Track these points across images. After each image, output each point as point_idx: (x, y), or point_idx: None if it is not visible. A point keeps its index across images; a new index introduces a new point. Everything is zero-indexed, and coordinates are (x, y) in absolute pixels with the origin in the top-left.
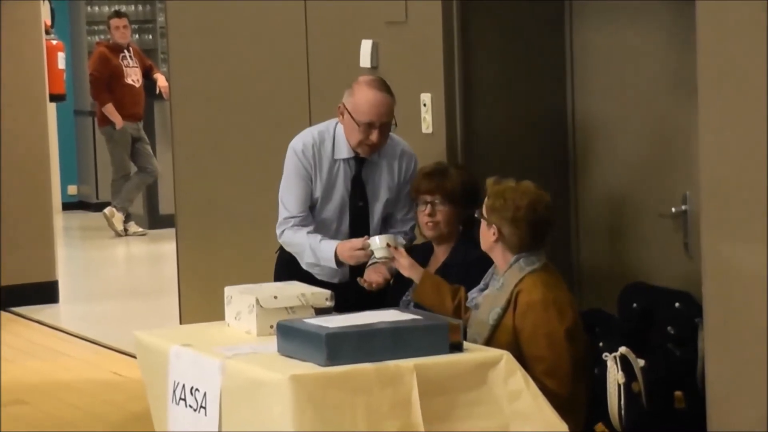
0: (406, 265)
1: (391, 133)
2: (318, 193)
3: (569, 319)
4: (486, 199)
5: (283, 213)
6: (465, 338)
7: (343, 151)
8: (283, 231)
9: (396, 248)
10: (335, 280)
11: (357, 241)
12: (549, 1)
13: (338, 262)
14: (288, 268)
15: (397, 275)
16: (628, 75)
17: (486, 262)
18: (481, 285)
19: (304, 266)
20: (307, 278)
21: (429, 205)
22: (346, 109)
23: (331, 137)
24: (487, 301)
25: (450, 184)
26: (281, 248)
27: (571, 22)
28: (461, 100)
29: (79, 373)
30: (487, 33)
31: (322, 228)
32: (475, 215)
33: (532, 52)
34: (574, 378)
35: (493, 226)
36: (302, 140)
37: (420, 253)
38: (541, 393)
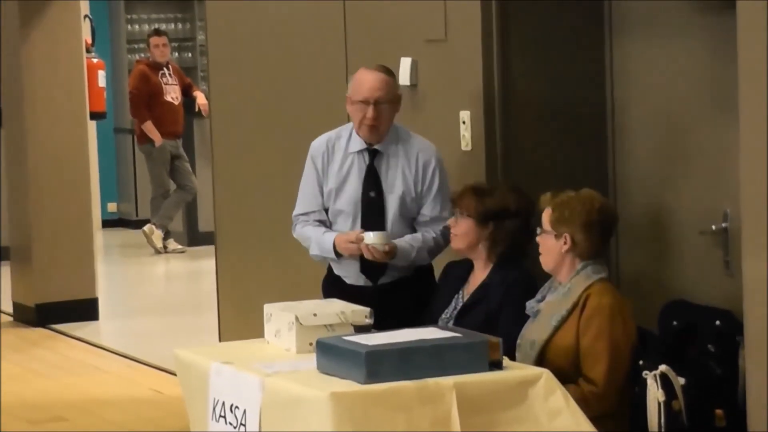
0: (386, 259)
1: (410, 132)
2: (332, 185)
3: (631, 333)
4: (549, 213)
5: (295, 210)
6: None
7: (357, 144)
8: (294, 227)
9: (387, 246)
10: (361, 282)
11: (352, 234)
12: (588, 16)
13: (337, 253)
14: (332, 284)
15: (439, 297)
16: (668, 89)
17: (526, 282)
18: (539, 296)
19: (312, 258)
20: (348, 292)
21: (453, 217)
22: (349, 96)
23: (347, 133)
24: (549, 306)
25: (476, 201)
26: (329, 266)
27: (611, 37)
28: (500, 118)
29: (119, 390)
30: (526, 50)
31: (338, 219)
32: (537, 233)
33: (572, 68)
34: (622, 390)
35: (565, 236)
36: (318, 139)
37: (460, 270)
38: (582, 412)
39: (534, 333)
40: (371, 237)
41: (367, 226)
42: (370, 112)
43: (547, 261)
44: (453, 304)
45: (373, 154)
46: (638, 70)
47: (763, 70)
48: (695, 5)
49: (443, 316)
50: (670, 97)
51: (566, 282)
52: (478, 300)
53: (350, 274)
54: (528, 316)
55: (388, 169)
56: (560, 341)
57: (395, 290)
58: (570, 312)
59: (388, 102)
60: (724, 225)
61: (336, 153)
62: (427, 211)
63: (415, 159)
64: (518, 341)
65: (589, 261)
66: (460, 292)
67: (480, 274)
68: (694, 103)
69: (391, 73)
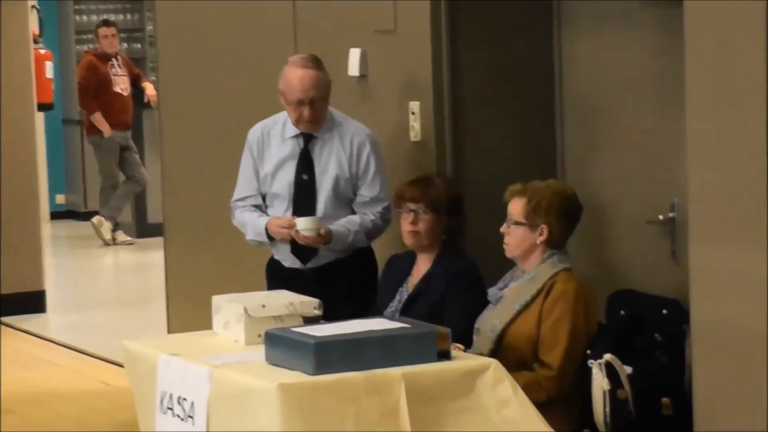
0: (319, 244)
1: (346, 115)
2: (268, 169)
3: (592, 322)
4: (523, 204)
5: (233, 197)
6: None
7: (292, 130)
8: (233, 213)
9: (320, 230)
10: (297, 265)
11: (285, 219)
12: (537, 9)
13: (270, 237)
14: (272, 268)
15: (384, 290)
16: (616, 82)
17: (471, 272)
18: (500, 284)
19: (249, 243)
20: (286, 275)
21: (412, 213)
22: (282, 92)
23: (283, 119)
24: (513, 292)
25: (435, 193)
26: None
27: (559, 29)
28: (450, 109)
29: (67, 383)
30: (475, 41)
31: (275, 203)
32: (510, 224)
33: (521, 60)
34: (575, 377)
35: (542, 227)
36: (254, 127)
37: (404, 262)
38: (530, 401)
39: (496, 317)
40: (301, 223)
41: (299, 207)
42: (306, 112)
43: (514, 250)
44: (398, 296)
45: (307, 138)
46: (586, 63)
47: (709, 62)
48: None
49: (388, 309)
50: (617, 88)
51: (532, 269)
52: (421, 291)
53: (286, 257)
54: (474, 306)
55: (322, 151)
56: (522, 325)
57: (333, 272)
58: (534, 298)
59: (322, 98)
60: (671, 215)
61: (272, 138)
62: (366, 191)
63: (350, 141)
64: (476, 326)
65: (554, 250)
66: (405, 284)
67: (423, 265)
68: (642, 94)
69: (319, 65)
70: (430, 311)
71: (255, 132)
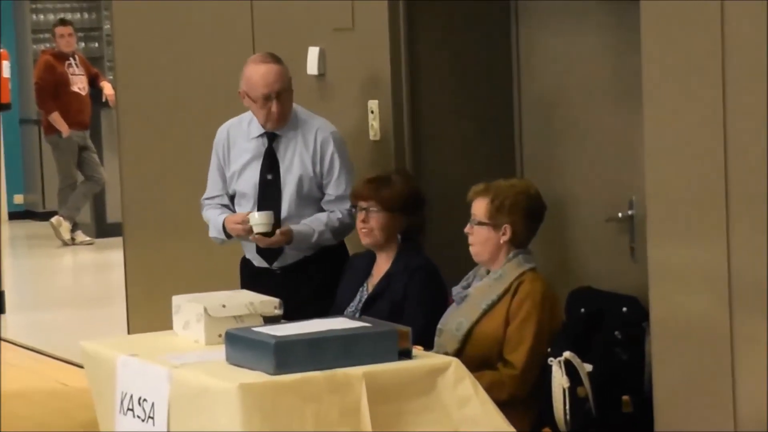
0: (276, 244)
1: (310, 112)
2: (234, 169)
3: (557, 323)
4: (486, 203)
5: (204, 194)
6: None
7: (257, 129)
8: (201, 209)
9: (276, 227)
10: (265, 265)
11: (239, 215)
12: (495, 4)
13: (228, 234)
14: (243, 266)
15: (344, 290)
16: (574, 78)
17: (429, 269)
18: (463, 283)
19: (212, 240)
20: (256, 274)
21: (363, 212)
22: (245, 92)
23: (249, 118)
24: (479, 291)
25: (388, 192)
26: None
27: (517, 26)
28: (408, 107)
29: (25, 383)
30: (434, 39)
31: (242, 202)
32: (474, 224)
33: (479, 58)
34: (537, 376)
35: (505, 226)
36: (221, 127)
37: (364, 261)
38: (491, 399)
39: (461, 315)
40: (255, 218)
41: (264, 207)
42: (274, 106)
43: (480, 252)
44: (358, 296)
45: (272, 137)
46: (544, 60)
47: (666, 59)
48: None
49: (348, 309)
50: (575, 86)
51: (498, 269)
52: (382, 290)
53: (254, 256)
54: (433, 303)
55: (286, 151)
56: (488, 325)
57: (302, 270)
58: (501, 297)
59: (287, 90)
60: (629, 212)
61: (238, 138)
62: (332, 190)
63: (313, 140)
64: (439, 326)
65: (519, 249)
66: (365, 284)
67: (383, 264)
68: (600, 92)
69: (279, 60)
70: (390, 310)
71: (221, 132)
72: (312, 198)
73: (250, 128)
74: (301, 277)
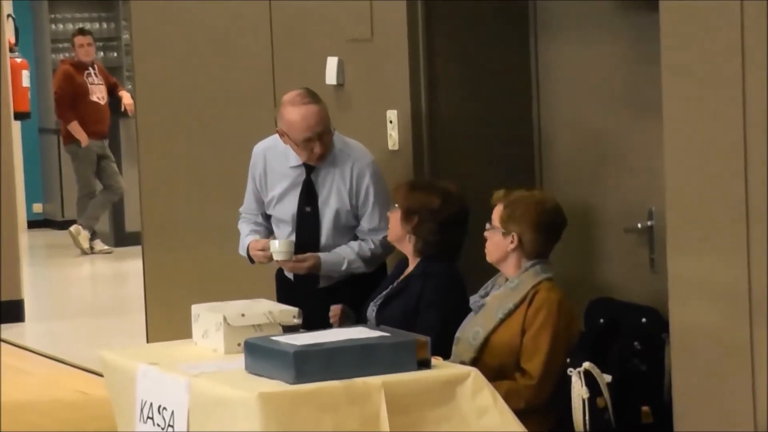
0: (301, 270)
1: (348, 140)
2: (273, 194)
3: (574, 332)
4: (500, 209)
5: (241, 207)
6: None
7: (294, 159)
8: (239, 219)
9: (292, 253)
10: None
11: (263, 242)
12: (513, 12)
13: (251, 258)
14: (281, 281)
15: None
16: (593, 89)
17: (448, 274)
18: (481, 292)
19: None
20: (295, 292)
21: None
22: (284, 131)
23: (284, 145)
24: (496, 299)
25: (409, 198)
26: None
27: (536, 36)
28: (427, 117)
29: (44, 393)
30: (452, 50)
31: (280, 226)
32: (486, 227)
33: (498, 68)
34: (555, 386)
35: (513, 234)
36: (257, 148)
37: (403, 264)
38: (509, 409)
39: (478, 324)
40: (275, 245)
41: (302, 238)
42: (317, 147)
43: (491, 254)
44: (384, 294)
45: (309, 168)
46: (563, 69)
47: (686, 69)
48: (618, 5)
49: (371, 306)
50: (595, 96)
51: (514, 277)
52: (399, 290)
53: (291, 274)
54: (448, 309)
55: (324, 183)
56: (504, 334)
57: (341, 288)
58: (517, 306)
59: (328, 131)
60: (649, 223)
61: (275, 164)
62: (366, 223)
63: (350, 172)
64: (457, 335)
65: (537, 260)
66: (395, 283)
67: (410, 268)
68: (619, 102)
69: (316, 98)
70: (404, 310)
71: (257, 155)
72: (349, 227)
73: (287, 155)
74: (343, 293)
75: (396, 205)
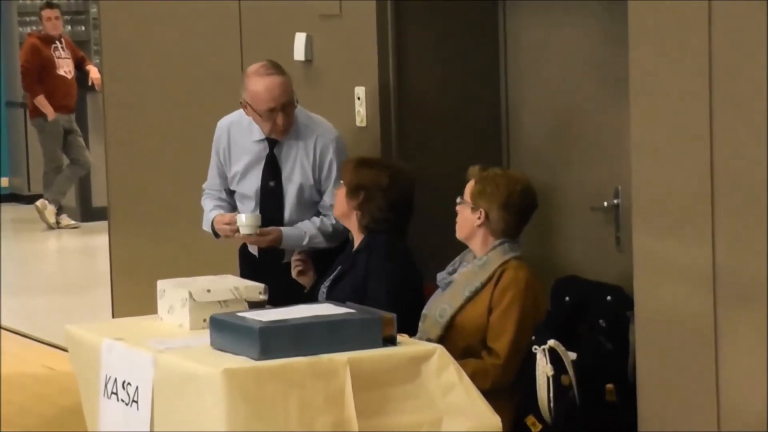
0: (263, 244)
1: (313, 115)
2: (236, 169)
3: (540, 311)
4: (472, 185)
5: (204, 184)
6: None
7: (258, 133)
8: (202, 196)
9: (259, 228)
10: (268, 258)
11: (228, 216)
12: None
13: (216, 233)
14: (244, 257)
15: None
16: (560, 70)
17: (389, 245)
18: (449, 269)
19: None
20: (258, 267)
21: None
22: (247, 102)
23: (249, 118)
24: (463, 277)
25: (353, 175)
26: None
27: (504, 15)
28: (395, 94)
29: (10, 367)
30: (421, 27)
31: (244, 202)
32: (457, 201)
33: (466, 46)
34: (520, 365)
35: (480, 210)
36: (220, 123)
37: (346, 247)
38: (475, 386)
39: (445, 302)
40: (242, 219)
41: (266, 213)
42: (280, 118)
43: (460, 229)
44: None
45: (273, 143)
46: (532, 48)
47: (653, 49)
48: None
49: (322, 287)
50: (562, 76)
51: (482, 255)
52: (346, 269)
53: (255, 250)
54: (397, 280)
55: (287, 158)
56: (471, 312)
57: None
58: (484, 284)
59: (291, 102)
60: (615, 201)
61: (238, 138)
62: (328, 198)
63: (313, 147)
64: (424, 312)
65: (506, 239)
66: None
67: (355, 245)
68: (586, 82)
69: (282, 70)
70: (353, 288)
71: (221, 129)
72: (313, 202)
73: (251, 130)
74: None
75: (342, 181)
